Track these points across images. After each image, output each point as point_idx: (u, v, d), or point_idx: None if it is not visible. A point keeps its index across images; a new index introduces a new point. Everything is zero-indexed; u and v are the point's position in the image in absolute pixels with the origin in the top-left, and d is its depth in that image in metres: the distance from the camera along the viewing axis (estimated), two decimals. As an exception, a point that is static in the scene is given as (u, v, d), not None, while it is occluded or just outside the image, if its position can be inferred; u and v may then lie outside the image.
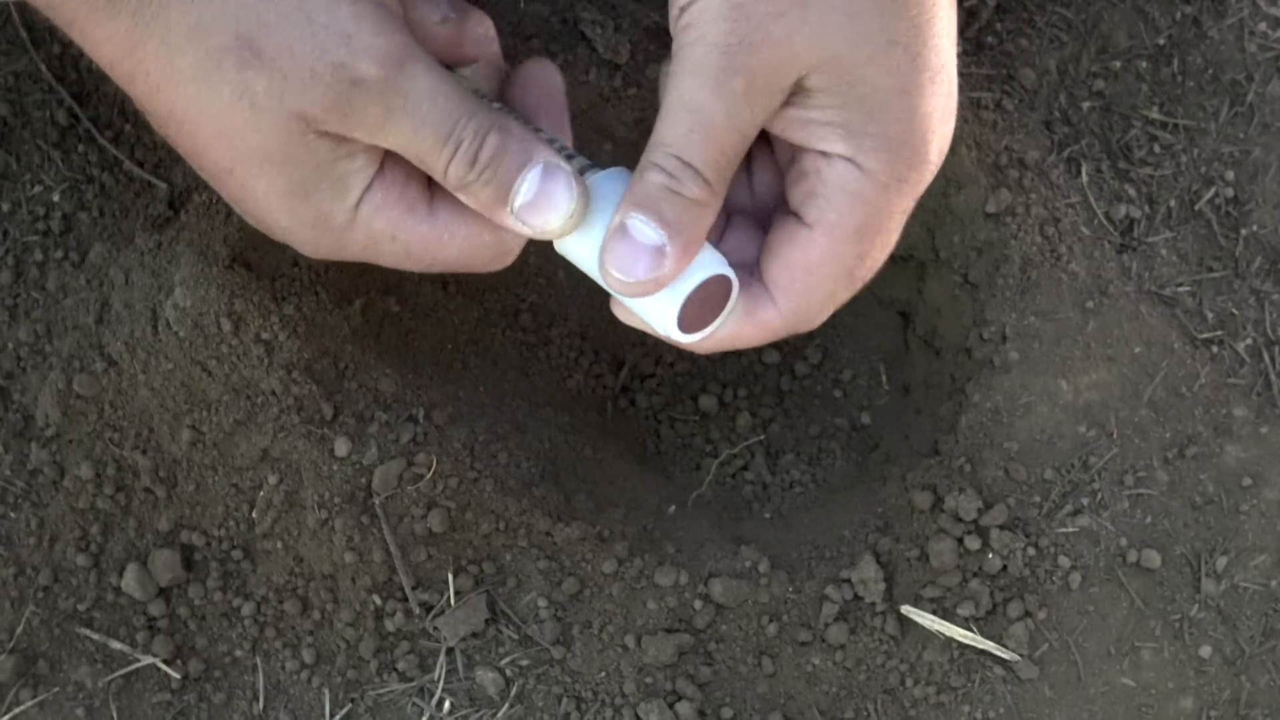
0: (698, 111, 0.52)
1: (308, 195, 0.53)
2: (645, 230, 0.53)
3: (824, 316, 0.57)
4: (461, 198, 0.55)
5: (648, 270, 0.53)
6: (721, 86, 0.51)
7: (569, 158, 0.55)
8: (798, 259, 0.55)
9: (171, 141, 0.55)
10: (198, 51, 0.50)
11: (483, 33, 0.59)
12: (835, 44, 0.52)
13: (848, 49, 0.52)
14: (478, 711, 0.65)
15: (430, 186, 0.56)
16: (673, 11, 0.53)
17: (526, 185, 0.53)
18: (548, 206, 0.54)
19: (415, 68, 0.52)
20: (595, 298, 0.75)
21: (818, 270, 0.55)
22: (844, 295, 0.57)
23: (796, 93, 0.53)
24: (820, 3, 0.51)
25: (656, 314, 0.55)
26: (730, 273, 0.55)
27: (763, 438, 0.79)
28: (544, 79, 0.58)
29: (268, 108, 0.51)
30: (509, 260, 0.58)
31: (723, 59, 0.51)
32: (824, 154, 0.54)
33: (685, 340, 0.56)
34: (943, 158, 0.55)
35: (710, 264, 0.55)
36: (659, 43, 0.73)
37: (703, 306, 0.55)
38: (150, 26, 0.50)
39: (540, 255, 0.71)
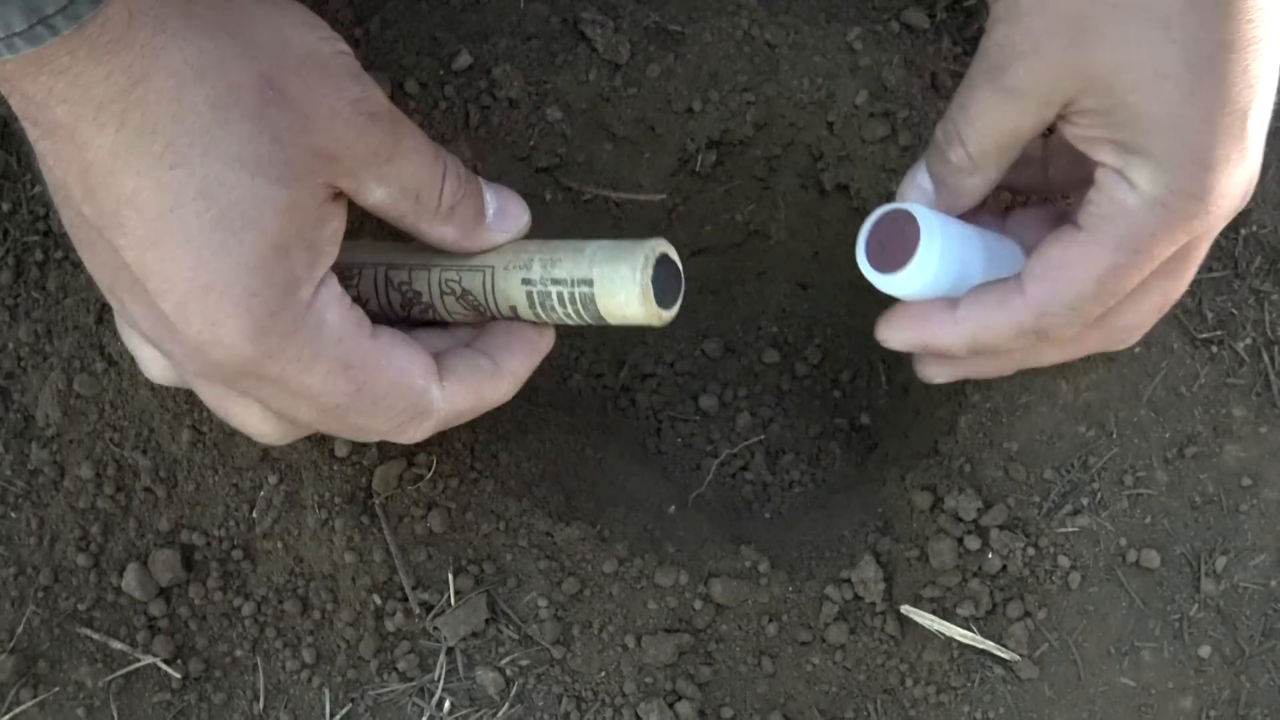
0: (972, 95, 0.59)
1: (289, 253, 0.52)
2: (924, 179, 0.63)
3: (1070, 322, 0.60)
4: (441, 230, 0.58)
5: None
6: (996, 83, 0.58)
7: None
8: (1054, 253, 0.59)
9: (120, 201, 0.50)
10: (216, 86, 0.49)
11: None
12: (1099, 69, 0.56)
13: (1110, 75, 0.56)
14: (478, 711, 0.65)
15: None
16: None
17: (489, 196, 0.59)
18: (514, 214, 0.59)
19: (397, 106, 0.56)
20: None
21: (1068, 266, 0.59)
22: (1092, 306, 0.60)
23: (1073, 109, 0.57)
24: (1093, 29, 0.55)
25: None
26: (918, 210, 0.60)
27: (763, 438, 0.79)
28: None
29: (291, 142, 0.51)
30: (421, 426, 0.57)
31: (999, 58, 0.58)
32: (1100, 164, 0.58)
33: (890, 287, 0.61)
34: (1229, 204, 0.58)
35: (907, 206, 0.61)
36: (659, 43, 0.73)
37: (890, 243, 0.61)
38: (160, 59, 0.48)
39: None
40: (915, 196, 0.63)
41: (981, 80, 0.59)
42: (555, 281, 0.58)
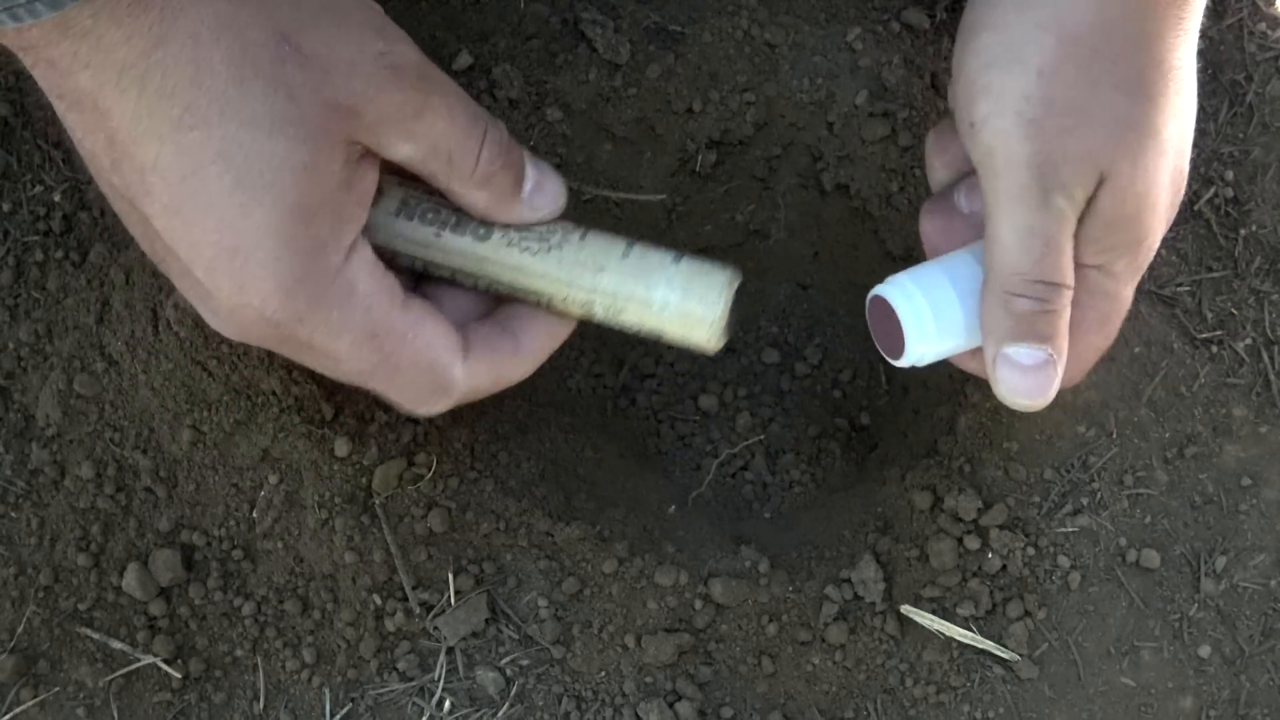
0: (1039, 234, 0.57)
1: (312, 218, 0.51)
2: (1033, 354, 0.59)
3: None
4: (473, 196, 0.56)
5: (1047, 387, 0.59)
6: (1049, 206, 0.57)
7: None
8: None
9: (144, 169, 0.50)
10: (232, 46, 0.49)
11: None
12: (1115, 154, 0.57)
13: (1126, 159, 0.57)
14: (478, 711, 0.65)
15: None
16: (963, 126, 0.58)
17: (530, 169, 0.57)
18: (551, 193, 0.57)
19: (433, 63, 0.54)
20: (595, 298, 0.75)
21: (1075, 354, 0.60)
22: (1093, 361, 0.63)
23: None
24: (1098, 116, 0.56)
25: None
26: (893, 297, 0.60)
27: (763, 438, 0.79)
28: None
29: (307, 99, 0.50)
30: (439, 402, 0.57)
31: (1041, 179, 0.56)
32: (1082, 265, 0.59)
33: (907, 365, 0.62)
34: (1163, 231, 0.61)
35: (882, 293, 0.61)
36: (659, 43, 0.73)
37: (888, 325, 0.61)
38: (179, 21, 0.48)
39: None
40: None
41: (1029, 212, 0.57)
42: (622, 326, 0.59)
